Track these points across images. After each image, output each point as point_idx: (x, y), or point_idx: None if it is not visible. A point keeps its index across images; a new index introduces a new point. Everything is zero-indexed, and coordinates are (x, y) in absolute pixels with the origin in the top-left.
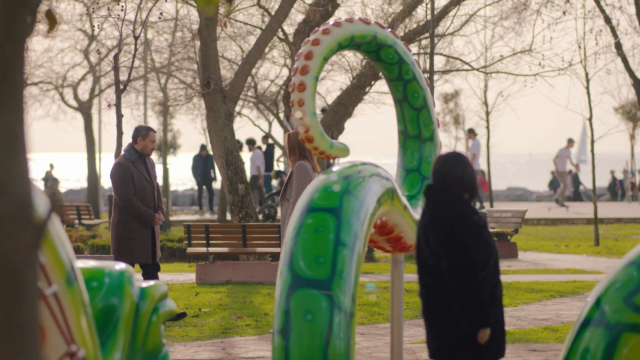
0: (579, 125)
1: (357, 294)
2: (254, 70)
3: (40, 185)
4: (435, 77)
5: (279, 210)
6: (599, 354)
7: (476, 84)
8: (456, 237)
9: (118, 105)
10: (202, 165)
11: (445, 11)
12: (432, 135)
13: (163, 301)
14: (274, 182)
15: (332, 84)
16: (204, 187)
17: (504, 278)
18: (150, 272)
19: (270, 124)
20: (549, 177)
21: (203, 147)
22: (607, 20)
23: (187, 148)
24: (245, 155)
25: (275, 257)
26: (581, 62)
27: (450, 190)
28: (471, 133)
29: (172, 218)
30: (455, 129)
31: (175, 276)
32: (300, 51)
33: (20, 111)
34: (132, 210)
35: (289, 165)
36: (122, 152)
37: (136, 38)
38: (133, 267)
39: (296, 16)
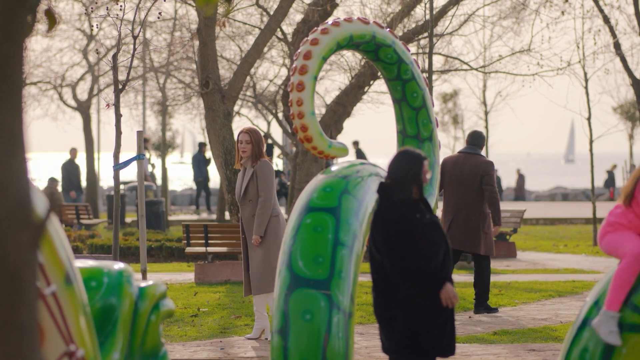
0: (578, 125)
1: (355, 294)
2: (252, 70)
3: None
4: (434, 76)
5: None
6: (597, 354)
7: (475, 84)
8: (395, 238)
9: (117, 105)
10: (204, 164)
11: (444, 11)
12: (430, 134)
13: (162, 301)
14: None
15: (330, 84)
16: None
17: (503, 277)
18: None
19: (269, 123)
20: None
21: (202, 145)
22: (606, 20)
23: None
24: None
25: None
26: (580, 61)
27: (395, 188)
28: None
29: (171, 218)
30: (454, 129)
31: (174, 276)
32: (299, 51)
33: (19, 111)
34: None
35: (251, 164)
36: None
37: (135, 38)
38: None
39: (295, 16)
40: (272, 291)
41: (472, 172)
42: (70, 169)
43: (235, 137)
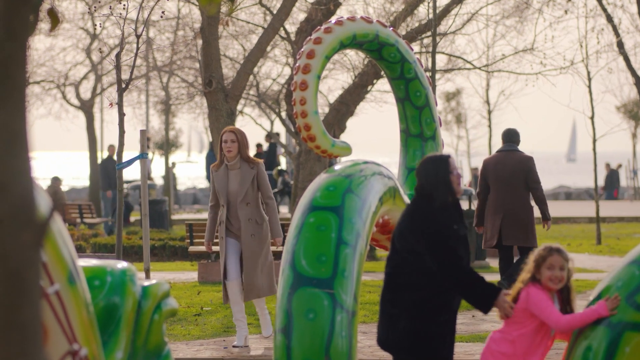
0: (580, 124)
1: (359, 293)
2: (256, 69)
3: (44, 184)
4: (437, 75)
5: (281, 209)
6: (601, 353)
7: (478, 83)
8: (442, 246)
9: (120, 104)
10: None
11: (447, 10)
12: (434, 133)
13: (165, 300)
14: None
15: (334, 83)
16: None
17: None
18: None
19: (272, 122)
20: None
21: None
22: (609, 19)
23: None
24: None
25: (278, 255)
26: (583, 60)
27: (429, 195)
28: None
29: (174, 217)
30: (457, 128)
31: (177, 275)
32: (302, 50)
33: (22, 110)
34: None
35: (240, 164)
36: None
37: (138, 37)
38: None
39: (298, 15)
40: (271, 294)
41: (515, 169)
42: (108, 166)
43: (219, 139)
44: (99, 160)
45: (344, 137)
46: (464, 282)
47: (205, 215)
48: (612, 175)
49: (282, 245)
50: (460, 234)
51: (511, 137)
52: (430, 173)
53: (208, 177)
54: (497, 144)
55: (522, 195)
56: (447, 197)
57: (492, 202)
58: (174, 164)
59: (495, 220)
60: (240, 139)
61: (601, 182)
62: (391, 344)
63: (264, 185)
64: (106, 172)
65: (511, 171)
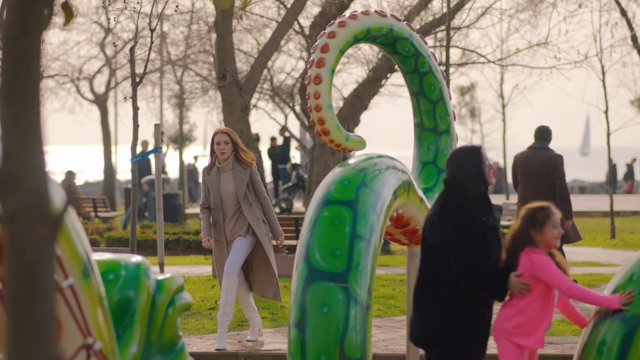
0: (594, 118)
1: (373, 287)
2: (270, 63)
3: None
4: (451, 69)
5: (295, 203)
6: (615, 347)
7: (492, 77)
8: (463, 238)
9: (134, 98)
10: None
11: (461, 4)
12: (448, 127)
13: (179, 294)
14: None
15: (348, 77)
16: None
17: None
18: None
19: (286, 116)
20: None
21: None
22: (623, 12)
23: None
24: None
25: (292, 249)
26: (597, 54)
27: (462, 186)
28: None
29: (188, 211)
30: (471, 122)
31: (192, 269)
32: (316, 44)
33: (37, 104)
34: None
35: (233, 166)
36: None
37: (152, 31)
38: None
39: (312, 9)
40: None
41: (544, 166)
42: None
43: (211, 140)
44: (113, 154)
45: (358, 131)
46: (477, 276)
47: None
48: (628, 169)
49: (259, 251)
50: (490, 225)
51: (543, 134)
52: (462, 164)
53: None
54: (511, 138)
55: (549, 192)
56: (480, 187)
57: (520, 197)
58: (196, 157)
59: None
60: (235, 139)
61: (621, 176)
62: (425, 340)
63: (258, 187)
64: (139, 166)
65: (539, 168)
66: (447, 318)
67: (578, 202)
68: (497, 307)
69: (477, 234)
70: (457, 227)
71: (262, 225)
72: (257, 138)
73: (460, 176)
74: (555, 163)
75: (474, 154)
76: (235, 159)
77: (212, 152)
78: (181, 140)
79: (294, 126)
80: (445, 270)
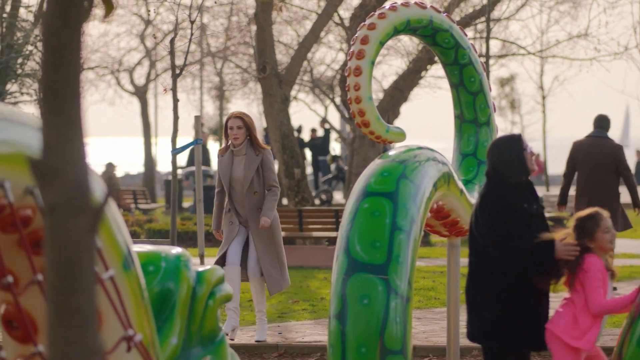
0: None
1: (413, 279)
2: (309, 55)
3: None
4: (491, 61)
5: (335, 194)
6: None
7: (532, 68)
8: (501, 226)
9: (174, 90)
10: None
11: None
12: (488, 119)
13: (219, 285)
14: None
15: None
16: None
17: None
18: None
19: (326, 108)
20: None
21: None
22: None
23: None
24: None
25: (332, 241)
26: (637, 46)
27: (502, 175)
28: None
29: None
30: (511, 114)
31: None
32: (356, 35)
33: (77, 96)
34: None
35: (247, 151)
36: None
37: (192, 22)
38: None
39: (352, 0)
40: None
41: (604, 155)
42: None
43: (224, 124)
44: (153, 146)
45: (398, 122)
46: (519, 259)
47: None
48: None
49: (268, 242)
50: (532, 212)
51: (602, 123)
52: (503, 152)
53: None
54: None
55: (609, 181)
56: (521, 175)
57: (579, 185)
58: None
59: (580, 202)
60: (249, 123)
61: None
62: (478, 333)
63: (268, 173)
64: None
65: (601, 157)
66: (499, 310)
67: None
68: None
69: (518, 222)
70: (495, 215)
71: (259, 215)
72: (299, 129)
73: (501, 165)
74: (618, 154)
75: (514, 141)
76: (250, 144)
77: (227, 136)
78: (221, 132)
79: (334, 118)
80: (494, 261)
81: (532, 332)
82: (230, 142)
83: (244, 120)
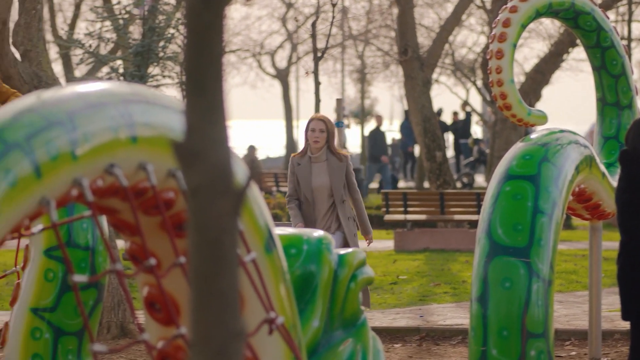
0: None
1: (555, 262)
2: (451, 38)
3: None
4: (633, 44)
5: (476, 177)
6: None
7: None
8: (633, 209)
9: (316, 73)
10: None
11: None
12: (630, 102)
13: (361, 268)
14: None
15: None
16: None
17: None
18: None
19: (467, 91)
20: None
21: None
22: None
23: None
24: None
25: (473, 224)
26: None
27: (634, 157)
28: None
29: (371, 185)
30: None
31: (373, 243)
32: (498, 18)
33: (220, 78)
34: None
35: (326, 157)
36: None
37: (334, 5)
38: None
39: None
40: None
41: None
42: (376, 136)
43: (306, 125)
44: (295, 129)
45: (539, 105)
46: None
47: (401, 184)
48: None
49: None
50: None
51: None
52: (637, 135)
53: (404, 148)
54: None
55: None
56: None
57: None
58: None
59: None
60: (330, 129)
61: None
62: (632, 310)
63: (351, 180)
64: (374, 141)
65: None
66: None
67: None
68: None
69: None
70: (626, 198)
71: (352, 224)
72: (439, 112)
73: (633, 147)
74: None
75: None
76: (329, 150)
77: (306, 139)
78: (362, 115)
79: (476, 101)
80: None
81: None
82: (308, 146)
83: (326, 125)
